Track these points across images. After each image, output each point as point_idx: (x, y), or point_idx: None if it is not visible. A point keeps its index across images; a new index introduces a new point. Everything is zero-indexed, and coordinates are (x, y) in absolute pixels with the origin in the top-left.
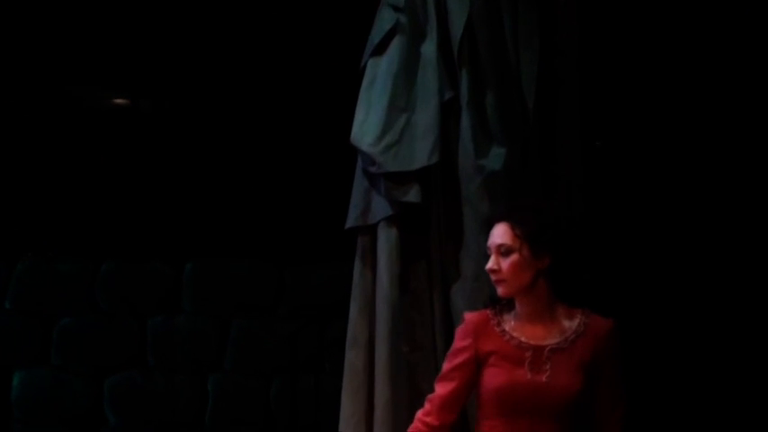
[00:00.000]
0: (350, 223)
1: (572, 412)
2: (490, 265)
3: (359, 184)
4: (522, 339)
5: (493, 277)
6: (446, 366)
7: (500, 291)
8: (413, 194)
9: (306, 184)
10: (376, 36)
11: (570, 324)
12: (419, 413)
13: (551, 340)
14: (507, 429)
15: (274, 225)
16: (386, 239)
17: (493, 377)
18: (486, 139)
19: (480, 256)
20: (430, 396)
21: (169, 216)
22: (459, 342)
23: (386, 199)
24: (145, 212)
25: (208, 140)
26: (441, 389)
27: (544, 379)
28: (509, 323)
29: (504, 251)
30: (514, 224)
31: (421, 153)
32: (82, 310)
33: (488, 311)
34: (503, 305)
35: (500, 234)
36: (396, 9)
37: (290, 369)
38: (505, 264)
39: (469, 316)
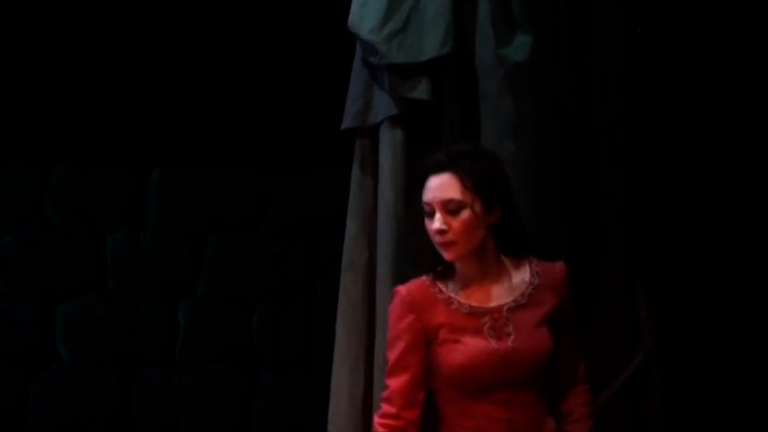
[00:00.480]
0: (347, 123)
1: (545, 374)
2: (438, 225)
3: (358, 77)
4: (474, 304)
5: (439, 239)
6: (392, 356)
7: (448, 255)
8: (421, 90)
9: (295, 78)
10: None
11: (523, 277)
12: (376, 417)
13: (506, 299)
14: (479, 412)
15: (257, 125)
16: (389, 143)
17: (450, 354)
18: (508, 26)
19: (504, 159)
20: (384, 394)
21: (133, 113)
22: (398, 323)
23: (390, 95)
24: (104, 108)
25: (181, 21)
26: (394, 383)
27: (510, 344)
28: (452, 290)
29: (453, 208)
30: (463, 175)
31: (431, 41)
32: (29, 226)
33: (423, 279)
34: (438, 271)
35: (446, 187)
36: None
37: (275, 295)
38: (456, 223)
39: (402, 289)
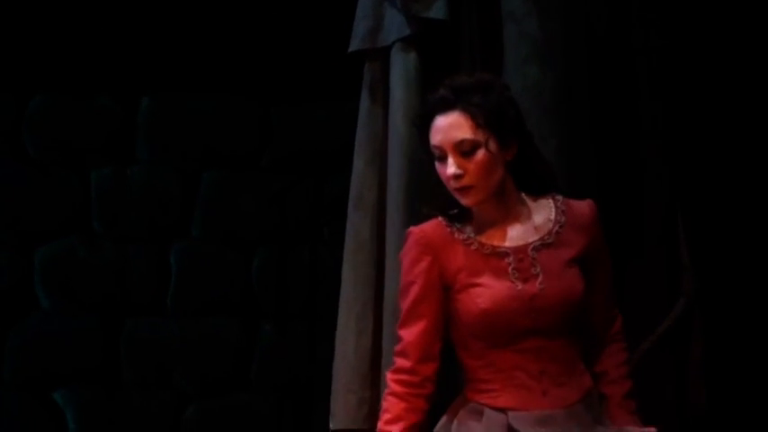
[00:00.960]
0: (355, 46)
1: (577, 321)
2: (453, 170)
3: None
4: (495, 243)
5: (455, 185)
6: (405, 304)
7: (467, 201)
8: (437, 9)
9: None
10: None
11: (547, 215)
12: (389, 374)
13: (531, 238)
14: (508, 363)
15: (257, 49)
16: (402, 67)
17: (471, 300)
18: None
19: (529, 87)
20: (397, 348)
21: (121, 35)
22: (412, 266)
23: (402, 14)
24: (89, 30)
25: None
26: (408, 334)
27: (538, 285)
28: (470, 231)
29: (466, 149)
30: (473, 111)
31: None
32: (4, 159)
33: (440, 219)
34: (451, 214)
35: (456, 127)
36: None
37: (277, 237)
38: (472, 165)
39: (416, 229)
